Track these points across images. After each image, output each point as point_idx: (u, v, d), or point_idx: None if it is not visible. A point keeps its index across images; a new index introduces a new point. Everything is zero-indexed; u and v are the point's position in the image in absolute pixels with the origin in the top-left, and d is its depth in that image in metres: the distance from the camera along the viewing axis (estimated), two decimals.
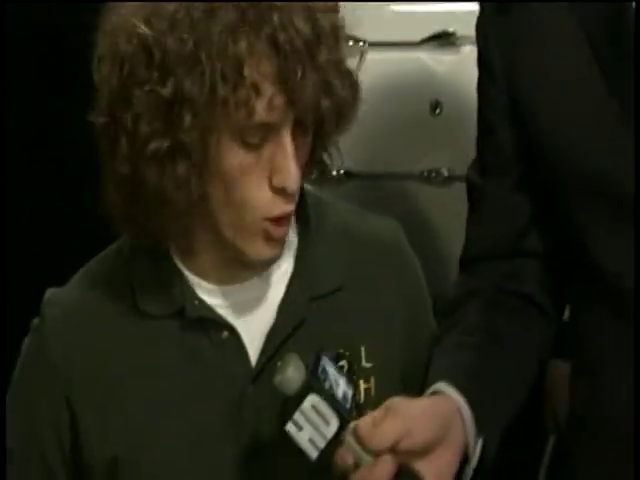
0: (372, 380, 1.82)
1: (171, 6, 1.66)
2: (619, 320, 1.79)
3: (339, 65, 1.72)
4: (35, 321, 1.87)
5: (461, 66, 2.51)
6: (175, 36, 1.65)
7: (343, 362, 1.77)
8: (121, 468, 1.81)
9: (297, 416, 1.62)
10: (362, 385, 1.82)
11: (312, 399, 1.62)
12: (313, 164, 1.82)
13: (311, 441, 1.63)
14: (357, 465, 1.61)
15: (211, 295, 1.82)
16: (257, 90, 1.63)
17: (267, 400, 1.76)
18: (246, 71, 1.63)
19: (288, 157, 1.69)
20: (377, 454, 1.60)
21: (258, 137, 1.68)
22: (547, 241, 1.88)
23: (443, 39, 2.69)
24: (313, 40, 1.67)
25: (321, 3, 1.72)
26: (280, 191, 1.70)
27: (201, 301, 1.81)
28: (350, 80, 1.76)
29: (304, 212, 1.86)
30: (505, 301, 1.87)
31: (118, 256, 1.89)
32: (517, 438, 1.88)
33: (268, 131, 1.68)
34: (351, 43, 2.62)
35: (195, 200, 1.72)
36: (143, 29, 1.69)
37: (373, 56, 2.68)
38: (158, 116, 1.67)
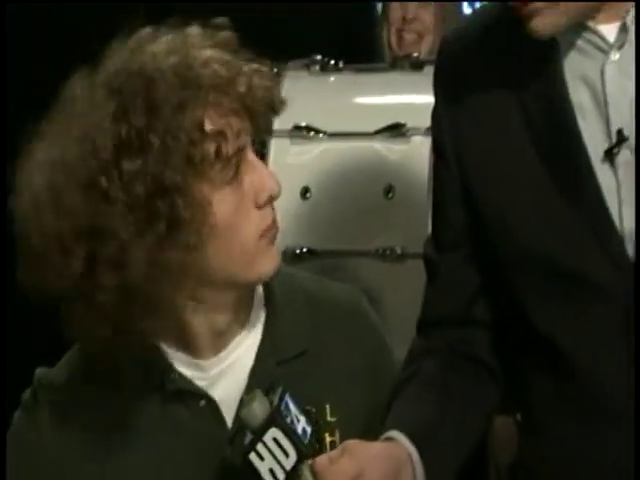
0: (337, 433, 1.80)
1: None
2: (560, 382, 1.79)
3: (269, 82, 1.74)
4: (27, 400, 1.86)
5: (411, 154, 2.53)
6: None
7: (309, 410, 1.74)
8: None
9: (259, 447, 1.62)
10: (327, 438, 1.80)
11: (274, 432, 1.62)
12: None
13: (271, 471, 1.63)
14: None
15: (188, 368, 1.81)
16: (224, 134, 1.67)
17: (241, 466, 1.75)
18: (208, 126, 1.66)
19: (260, 168, 1.73)
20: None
21: (231, 170, 1.69)
22: (494, 308, 1.86)
23: (395, 130, 2.69)
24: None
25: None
26: (267, 202, 1.73)
27: (179, 374, 1.80)
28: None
29: (270, 285, 1.86)
30: (459, 362, 1.86)
31: None
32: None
33: (238, 160, 1.70)
34: (312, 133, 2.76)
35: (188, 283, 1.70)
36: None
37: (333, 145, 2.78)
38: (135, 219, 1.65)
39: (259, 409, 1.63)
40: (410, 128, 2.66)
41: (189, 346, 1.81)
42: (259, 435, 1.63)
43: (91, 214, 1.66)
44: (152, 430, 1.81)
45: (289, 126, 2.75)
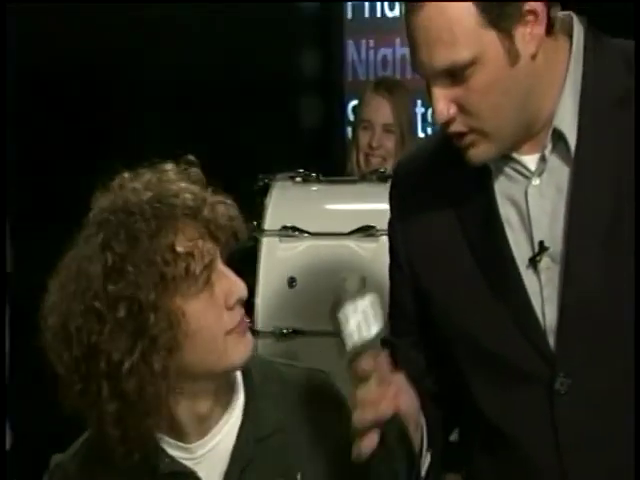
0: None
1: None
2: (495, 450, 1.78)
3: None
4: (51, 476, 1.85)
5: (380, 251, 2.43)
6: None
7: None
8: None
9: (352, 306, 1.63)
10: None
11: (371, 298, 1.64)
12: None
13: (359, 329, 1.63)
14: (366, 376, 1.60)
15: (177, 450, 1.78)
16: (192, 255, 1.67)
17: None
18: (178, 248, 1.66)
19: (229, 276, 1.72)
20: (388, 384, 1.61)
21: (202, 281, 1.68)
22: (441, 383, 1.86)
23: (366, 231, 2.71)
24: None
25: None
26: (236, 304, 1.71)
27: (171, 458, 1.77)
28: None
29: (247, 370, 1.82)
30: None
31: None
32: None
33: (208, 273, 1.68)
34: (297, 233, 2.78)
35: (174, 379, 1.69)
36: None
37: (314, 243, 2.78)
38: (123, 335, 1.65)
39: (355, 279, 1.66)
40: (379, 229, 2.68)
41: (177, 432, 1.78)
42: (354, 298, 1.63)
43: (88, 335, 1.66)
44: None
45: (278, 227, 2.76)
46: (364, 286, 1.65)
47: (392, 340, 1.89)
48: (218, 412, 1.79)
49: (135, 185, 1.74)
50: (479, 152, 1.70)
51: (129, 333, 1.66)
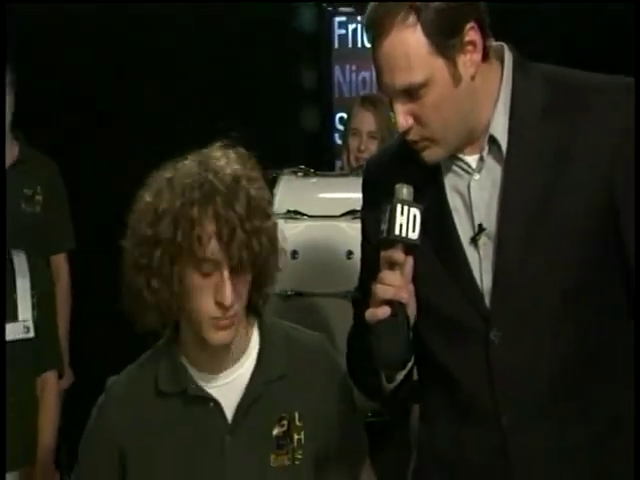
0: (302, 434, 1.81)
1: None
2: (445, 389, 1.77)
3: (259, 232, 1.73)
4: (100, 400, 1.88)
5: None
6: (164, 222, 1.71)
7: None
8: None
9: (406, 206, 1.63)
10: (295, 436, 1.81)
11: (419, 210, 1.64)
12: (257, 294, 1.83)
13: (401, 226, 1.63)
14: (398, 264, 1.63)
15: (203, 380, 1.81)
16: (201, 242, 1.69)
17: (239, 445, 1.79)
18: (196, 231, 1.69)
19: (225, 283, 1.71)
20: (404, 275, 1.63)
21: (208, 269, 1.70)
22: None
23: (353, 214, 2.68)
24: (244, 216, 1.70)
25: (258, 193, 1.76)
26: (220, 304, 1.72)
27: (197, 385, 1.80)
28: (268, 241, 1.75)
29: (263, 327, 1.86)
30: None
31: (151, 357, 1.89)
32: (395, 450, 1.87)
33: (214, 267, 1.70)
34: (298, 216, 2.78)
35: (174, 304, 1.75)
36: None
37: (312, 223, 2.75)
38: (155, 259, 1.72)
39: (407, 189, 1.66)
40: None
41: (203, 367, 1.81)
42: (402, 202, 1.64)
43: (148, 258, 1.74)
44: (178, 420, 1.81)
45: (284, 210, 2.74)
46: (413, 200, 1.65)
47: (360, 298, 1.88)
48: (235, 356, 1.82)
49: (183, 166, 1.76)
50: (431, 154, 1.71)
51: (170, 257, 1.73)
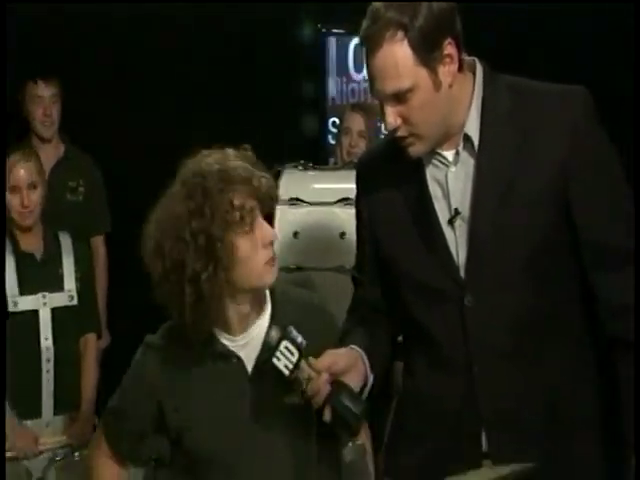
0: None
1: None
2: (426, 347, 1.76)
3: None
4: (140, 351, 1.84)
5: (354, 215, 2.54)
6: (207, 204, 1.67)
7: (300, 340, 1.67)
8: (182, 429, 1.80)
9: (278, 353, 1.61)
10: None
11: (285, 343, 1.62)
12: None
13: (285, 366, 1.62)
14: (309, 379, 1.62)
15: (228, 340, 1.79)
16: (244, 207, 1.68)
17: (257, 389, 1.77)
18: (235, 202, 1.67)
19: (265, 225, 1.72)
20: (319, 372, 1.63)
21: (248, 225, 1.69)
22: (390, 303, 1.84)
23: (346, 201, 2.68)
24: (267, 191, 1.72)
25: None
26: (268, 245, 1.71)
27: (222, 344, 1.79)
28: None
29: (274, 291, 1.82)
30: (375, 317, 1.85)
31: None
32: (378, 397, 1.81)
33: (251, 216, 1.69)
34: (299, 202, 2.77)
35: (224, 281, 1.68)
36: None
37: (312, 209, 2.74)
38: (202, 256, 1.67)
39: (275, 333, 1.63)
40: (353, 200, 2.64)
41: (227, 328, 1.79)
42: (276, 346, 1.62)
43: (177, 253, 1.68)
44: (206, 372, 1.80)
45: (288, 198, 2.73)
46: (281, 333, 1.63)
47: (357, 275, 1.90)
48: (254, 315, 1.80)
49: (207, 159, 1.74)
50: (415, 149, 1.70)
51: (205, 254, 1.67)
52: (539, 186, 1.65)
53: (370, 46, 1.62)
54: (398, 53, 1.60)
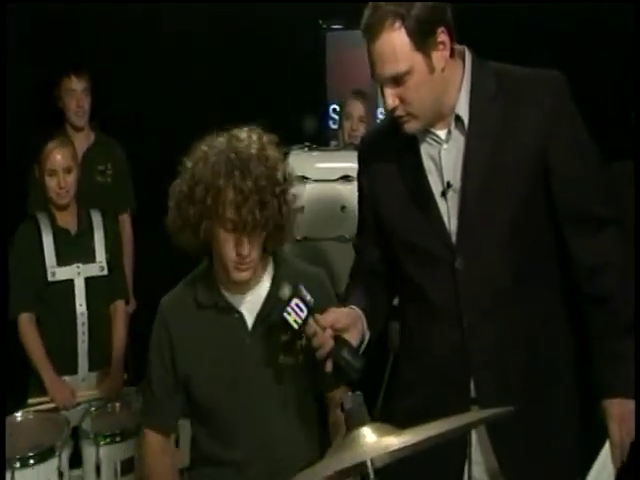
0: (304, 340, 1.73)
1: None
2: (420, 304, 1.75)
3: (265, 203, 1.67)
4: (157, 313, 1.84)
5: (354, 190, 2.39)
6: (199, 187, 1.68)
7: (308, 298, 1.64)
8: (189, 376, 1.80)
9: (289, 308, 1.59)
10: (299, 342, 1.77)
11: (296, 300, 1.60)
12: (272, 243, 1.78)
13: (295, 321, 1.60)
14: (315, 334, 1.60)
15: (231, 297, 1.80)
16: (224, 206, 1.66)
17: (255, 346, 1.77)
18: (222, 197, 1.65)
19: (242, 239, 1.69)
20: (324, 328, 1.61)
21: (229, 227, 1.68)
22: (388, 265, 1.83)
23: (346, 178, 2.66)
24: (254, 189, 1.65)
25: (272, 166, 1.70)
26: (238, 254, 1.70)
27: (226, 300, 1.79)
28: (284, 201, 1.70)
29: (277, 258, 1.83)
30: (374, 280, 1.84)
31: (192, 279, 1.85)
32: (374, 353, 1.80)
33: (233, 226, 1.67)
34: (305, 179, 2.74)
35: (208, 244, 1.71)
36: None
37: (315, 185, 2.71)
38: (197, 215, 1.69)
39: (288, 290, 1.61)
40: (353, 177, 2.56)
41: (231, 287, 1.79)
42: (288, 302, 1.60)
43: (186, 210, 1.70)
44: (212, 325, 1.79)
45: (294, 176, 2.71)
46: (292, 290, 1.60)
47: (358, 243, 1.89)
48: (256, 278, 1.79)
49: (216, 142, 1.72)
50: (411, 126, 1.68)
51: (200, 214, 1.70)
52: (522, 158, 1.64)
53: (371, 34, 1.61)
54: (396, 40, 1.59)
